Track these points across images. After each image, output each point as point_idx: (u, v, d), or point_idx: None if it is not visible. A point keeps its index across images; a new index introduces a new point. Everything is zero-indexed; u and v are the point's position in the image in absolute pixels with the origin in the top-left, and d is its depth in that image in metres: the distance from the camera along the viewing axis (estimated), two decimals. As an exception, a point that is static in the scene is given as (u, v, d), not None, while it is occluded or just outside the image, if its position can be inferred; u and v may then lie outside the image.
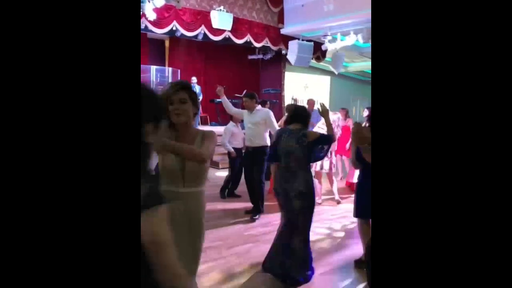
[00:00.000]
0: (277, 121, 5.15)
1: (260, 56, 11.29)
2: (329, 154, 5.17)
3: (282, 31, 10.02)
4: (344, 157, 7.19)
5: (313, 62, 10.91)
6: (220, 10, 8.62)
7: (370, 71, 11.23)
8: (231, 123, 5.61)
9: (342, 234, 4.51)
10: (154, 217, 1.02)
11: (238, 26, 9.16)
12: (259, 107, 4.88)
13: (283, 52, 10.34)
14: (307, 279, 3.13)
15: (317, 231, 4.38)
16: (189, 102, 1.95)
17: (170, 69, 9.97)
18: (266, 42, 9.88)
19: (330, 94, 13.93)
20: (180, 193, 1.97)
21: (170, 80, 9.48)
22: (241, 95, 5.86)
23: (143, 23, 7.49)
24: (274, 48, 10.18)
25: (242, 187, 5.51)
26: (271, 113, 4.86)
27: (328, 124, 3.27)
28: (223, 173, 6.77)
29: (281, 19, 10.02)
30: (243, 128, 5.42)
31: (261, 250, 3.58)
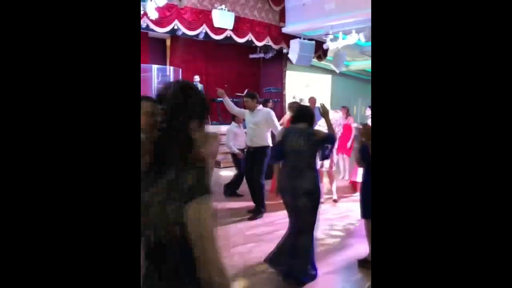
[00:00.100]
0: (279, 120, 5.14)
1: (261, 55, 11.26)
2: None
3: (284, 30, 9.99)
4: (345, 156, 7.18)
5: (314, 61, 10.88)
6: (222, 9, 8.60)
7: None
8: (233, 124, 5.61)
9: (343, 233, 4.51)
10: (201, 207, 1.03)
11: (240, 25, 9.14)
12: (260, 107, 4.87)
13: (284, 51, 10.31)
14: (311, 278, 3.13)
15: (319, 230, 4.37)
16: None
17: (172, 68, 9.96)
18: (267, 41, 9.85)
19: (331, 93, 13.91)
20: None
21: (171, 79, 9.47)
22: (242, 94, 5.85)
23: (145, 22, 7.48)
24: (276, 47, 10.15)
25: (244, 186, 5.51)
26: (272, 113, 4.84)
27: (329, 125, 3.30)
28: (225, 173, 6.77)
29: (282, 18, 9.99)
30: (245, 127, 5.41)
31: (264, 249, 3.56)
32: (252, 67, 11.88)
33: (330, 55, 10.75)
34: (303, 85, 12.86)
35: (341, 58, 10.44)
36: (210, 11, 8.56)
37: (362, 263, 3.43)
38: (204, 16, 8.54)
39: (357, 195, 5.44)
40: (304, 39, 9.73)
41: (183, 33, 8.56)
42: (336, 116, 6.59)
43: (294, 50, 9.61)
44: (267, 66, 11.76)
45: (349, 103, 10.45)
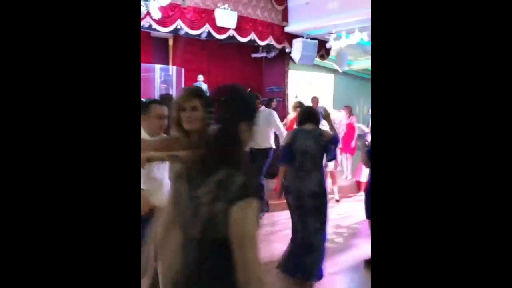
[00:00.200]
0: (282, 120, 5.13)
1: (264, 54, 11.24)
2: (334, 153, 5.20)
3: (286, 29, 9.97)
4: (348, 155, 7.16)
5: (317, 60, 10.85)
6: (225, 8, 8.60)
7: (374, 69, 11.11)
8: None
9: (348, 233, 4.51)
10: (246, 209, 1.02)
11: (242, 24, 9.13)
12: (262, 107, 4.87)
13: (287, 50, 10.29)
14: (318, 277, 3.15)
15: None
16: (201, 109, 1.94)
17: (174, 67, 9.96)
18: (270, 40, 9.83)
19: (334, 92, 13.85)
20: None
21: (174, 79, 9.49)
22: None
23: (148, 21, 7.49)
24: (278, 46, 10.13)
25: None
26: (275, 113, 4.84)
27: (331, 127, 3.34)
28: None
29: (285, 17, 9.96)
30: None
31: (267, 249, 3.56)
32: (255, 67, 11.86)
33: (333, 54, 10.72)
34: (305, 84, 12.81)
35: (344, 57, 10.41)
36: (213, 11, 8.56)
37: (368, 263, 3.42)
38: (206, 16, 8.54)
39: (360, 195, 5.43)
40: (307, 38, 9.71)
41: (186, 33, 8.56)
42: (339, 116, 6.58)
43: (297, 50, 9.59)
44: (269, 66, 11.73)
45: (352, 102, 10.43)
